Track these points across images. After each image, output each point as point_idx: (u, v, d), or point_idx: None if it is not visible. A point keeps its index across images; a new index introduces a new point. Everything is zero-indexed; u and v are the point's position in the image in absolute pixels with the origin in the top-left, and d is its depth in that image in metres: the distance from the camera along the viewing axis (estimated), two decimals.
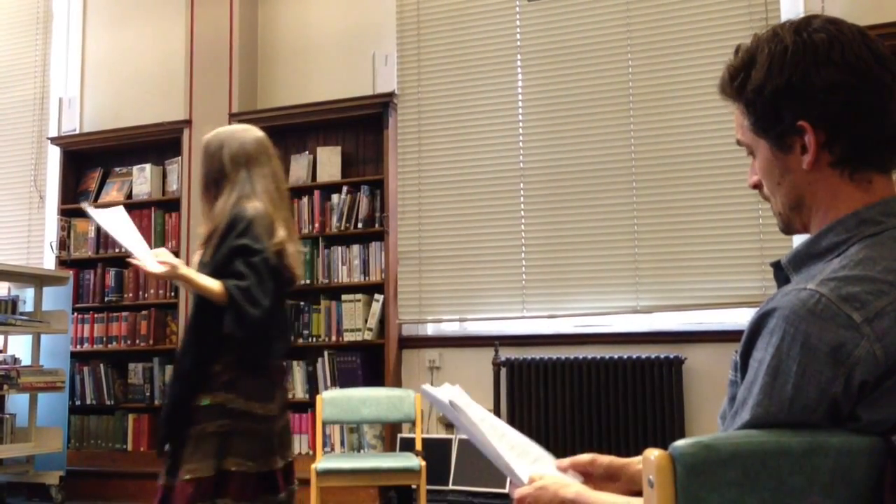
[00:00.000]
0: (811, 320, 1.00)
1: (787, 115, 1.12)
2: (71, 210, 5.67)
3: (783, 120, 1.13)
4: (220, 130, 2.87)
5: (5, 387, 4.80)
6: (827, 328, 0.99)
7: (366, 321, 4.86)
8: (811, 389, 1.00)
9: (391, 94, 4.99)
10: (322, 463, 3.72)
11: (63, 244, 5.63)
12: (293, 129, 5.31)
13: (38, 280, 5.29)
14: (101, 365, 5.46)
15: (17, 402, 5.20)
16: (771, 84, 1.12)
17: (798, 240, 1.23)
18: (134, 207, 5.37)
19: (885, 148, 1.13)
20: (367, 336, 4.84)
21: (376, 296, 4.87)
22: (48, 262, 5.77)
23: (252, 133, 2.85)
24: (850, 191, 1.13)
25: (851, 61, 1.09)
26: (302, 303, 5.05)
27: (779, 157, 1.16)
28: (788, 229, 1.22)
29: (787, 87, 1.11)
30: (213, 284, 2.58)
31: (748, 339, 1.08)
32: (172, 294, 5.37)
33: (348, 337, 4.87)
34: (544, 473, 1.22)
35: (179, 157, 5.42)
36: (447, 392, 1.33)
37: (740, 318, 4.26)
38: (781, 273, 1.18)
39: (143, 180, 5.62)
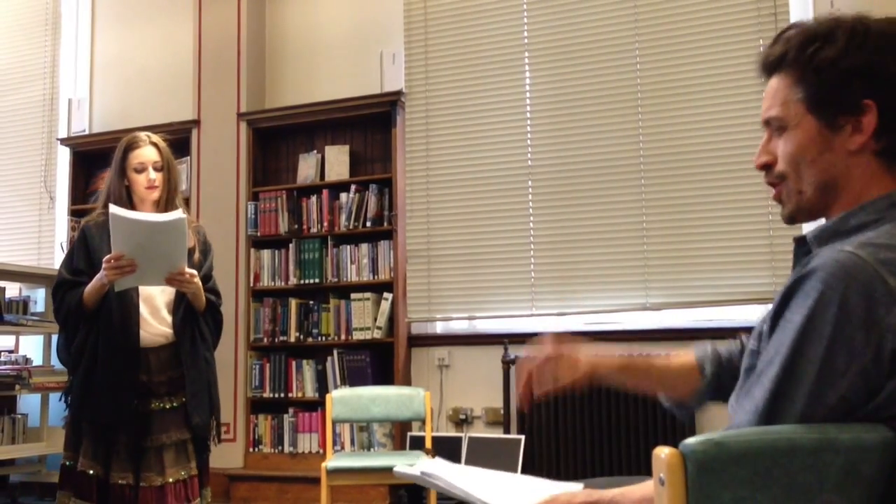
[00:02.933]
0: (849, 282, 1.01)
1: (855, 92, 1.13)
2: (81, 210, 5.68)
3: (848, 96, 1.14)
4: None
5: (17, 387, 4.82)
6: (863, 291, 1.00)
7: (375, 320, 4.87)
8: (842, 353, 1.00)
9: (399, 93, 4.99)
10: (332, 461, 3.73)
11: None
12: (301, 129, 5.31)
13: (49, 281, 5.30)
14: None
15: (29, 403, 5.23)
16: (849, 59, 1.13)
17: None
18: None
19: None
20: (377, 335, 4.84)
21: (385, 294, 4.87)
22: (59, 263, 5.77)
23: None
24: (886, 179, 1.15)
25: None
26: (311, 302, 5.06)
27: (824, 134, 1.16)
28: (797, 215, 1.22)
29: (864, 65, 1.12)
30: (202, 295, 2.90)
31: (783, 300, 1.08)
32: None
33: (357, 336, 4.88)
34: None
35: (188, 157, 5.43)
36: (417, 467, 1.42)
37: (750, 315, 4.24)
38: (803, 249, 1.19)
39: None
